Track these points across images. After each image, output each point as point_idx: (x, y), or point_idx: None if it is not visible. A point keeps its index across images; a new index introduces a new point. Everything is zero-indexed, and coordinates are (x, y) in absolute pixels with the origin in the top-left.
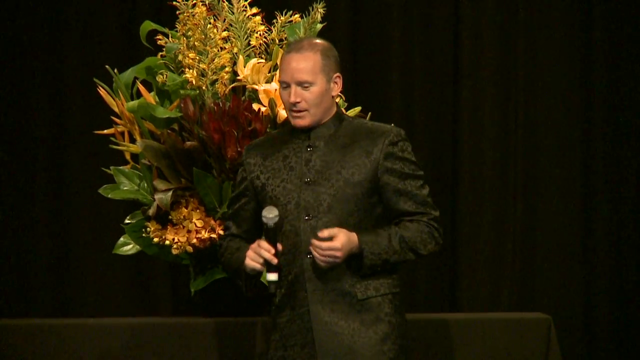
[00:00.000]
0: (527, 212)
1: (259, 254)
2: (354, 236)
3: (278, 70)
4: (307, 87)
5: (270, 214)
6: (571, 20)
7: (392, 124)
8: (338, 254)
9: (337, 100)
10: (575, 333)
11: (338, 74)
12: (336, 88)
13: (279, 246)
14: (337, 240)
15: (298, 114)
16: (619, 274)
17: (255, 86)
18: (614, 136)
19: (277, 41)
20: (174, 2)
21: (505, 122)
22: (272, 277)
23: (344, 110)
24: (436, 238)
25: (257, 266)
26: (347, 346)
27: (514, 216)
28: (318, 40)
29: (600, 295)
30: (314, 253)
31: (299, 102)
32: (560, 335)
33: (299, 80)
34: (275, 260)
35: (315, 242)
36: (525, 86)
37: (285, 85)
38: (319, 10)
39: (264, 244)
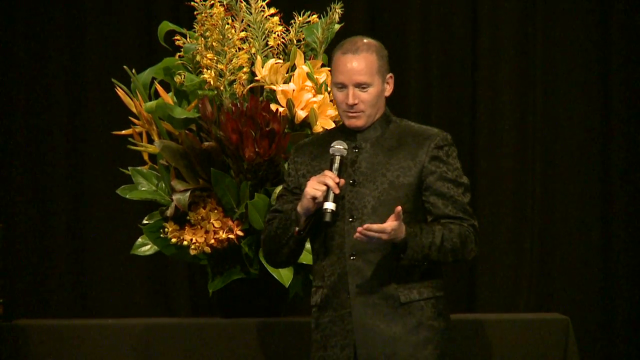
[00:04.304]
0: (545, 213)
1: (322, 181)
2: (403, 226)
3: (332, 71)
4: (364, 88)
5: (339, 145)
6: (589, 15)
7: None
8: (384, 236)
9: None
10: (593, 334)
11: (391, 74)
12: (388, 88)
13: (342, 180)
14: (388, 225)
15: (354, 114)
16: (638, 274)
17: (273, 86)
18: (633, 136)
19: (295, 42)
20: (192, 3)
21: (524, 124)
22: (331, 205)
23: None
24: (476, 244)
25: (318, 193)
26: (387, 350)
27: (532, 217)
28: (371, 40)
29: (619, 296)
30: (360, 229)
31: (356, 104)
32: (579, 336)
33: (357, 82)
34: (337, 190)
35: (370, 225)
36: (544, 87)
37: (341, 86)
38: (336, 11)
39: (328, 171)
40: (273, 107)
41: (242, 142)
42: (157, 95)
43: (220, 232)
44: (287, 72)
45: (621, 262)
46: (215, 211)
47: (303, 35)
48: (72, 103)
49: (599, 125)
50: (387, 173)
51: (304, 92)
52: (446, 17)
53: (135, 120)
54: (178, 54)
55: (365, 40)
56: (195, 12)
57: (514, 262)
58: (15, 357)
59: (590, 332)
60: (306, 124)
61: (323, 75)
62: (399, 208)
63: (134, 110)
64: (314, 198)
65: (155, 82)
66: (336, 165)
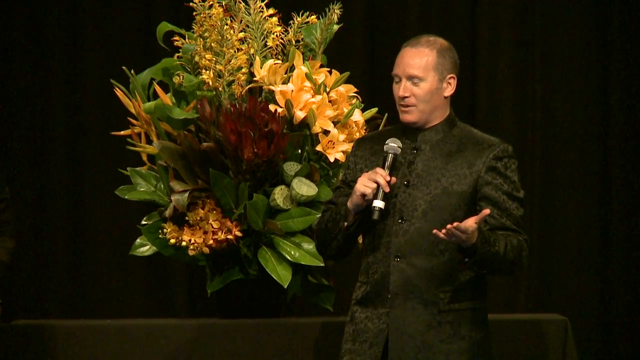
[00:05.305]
0: (543, 213)
1: (373, 178)
2: (477, 232)
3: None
4: (416, 82)
5: (394, 143)
6: (588, 13)
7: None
8: (463, 236)
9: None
10: (592, 334)
11: (453, 75)
12: (449, 89)
13: (393, 179)
14: (470, 226)
15: (405, 109)
16: (636, 275)
17: (271, 87)
18: (632, 138)
19: (293, 42)
20: (191, 3)
21: (523, 124)
22: (380, 204)
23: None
24: (526, 259)
25: (368, 190)
26: (420, 356)
27: (530, 218)
28: (438, 39)
29: (617, 297)
30: (450, 227)
31: (407, 97)
32: (577, 336)
33: (409, 75)
34: (387, 189)
35: (459, 224)
36: (543, 87)
37: (396, 79)
38: (335, 11)
39: (380, 169)
40: (272, 107)
41: (241, 142)
42: (155, 95)
43: (219, 233)
44: (285, 73)
45: (620, 263)
46: (214, 212)
47: (302, 36)
48: (72, 104)
49: (598, 125)
50: (442, 178)
51: (303, 93)
52: (446, 17)
53: (134, 121)
54: (177, 54)
55: (431, 38)
56: (194, 13)
57: None
58: (15, 358)
59: (588, 333)
60: (305, 124)
61: (322, 76)
62: (487, 211)
63: (132, 110)
64: (363, 195)
65: (154, 83)
66: (388, 163)
